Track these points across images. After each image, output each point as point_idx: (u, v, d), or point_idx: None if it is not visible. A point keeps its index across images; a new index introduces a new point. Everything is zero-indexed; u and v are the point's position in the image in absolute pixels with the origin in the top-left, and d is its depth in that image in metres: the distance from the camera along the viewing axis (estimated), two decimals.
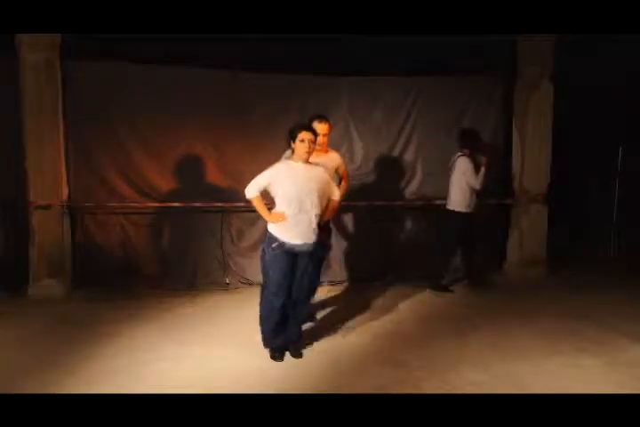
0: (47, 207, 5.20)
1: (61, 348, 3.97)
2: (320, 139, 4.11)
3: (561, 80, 5.99)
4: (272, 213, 3.77)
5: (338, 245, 5.81)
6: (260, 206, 3.83)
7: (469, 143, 5.60)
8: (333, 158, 4.40)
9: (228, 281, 5.73)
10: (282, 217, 3.69)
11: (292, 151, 3.82)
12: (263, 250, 3.83)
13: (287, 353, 3.88)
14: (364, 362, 3.82)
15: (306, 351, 3.97)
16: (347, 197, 4.59)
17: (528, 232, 6.18)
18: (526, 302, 5.31)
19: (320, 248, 3.92)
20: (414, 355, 3.94)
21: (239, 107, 5.62)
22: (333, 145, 5.26)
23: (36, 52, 5.06)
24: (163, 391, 3.23)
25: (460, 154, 5.58)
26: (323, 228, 3.93)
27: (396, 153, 6.05)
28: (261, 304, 3.88)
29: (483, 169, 5.48)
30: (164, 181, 5.59)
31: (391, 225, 6.09)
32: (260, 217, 5.67)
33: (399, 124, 6.02)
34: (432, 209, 6.03)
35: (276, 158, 5.72)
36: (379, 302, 5.22)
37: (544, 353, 3.98)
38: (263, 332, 3.87)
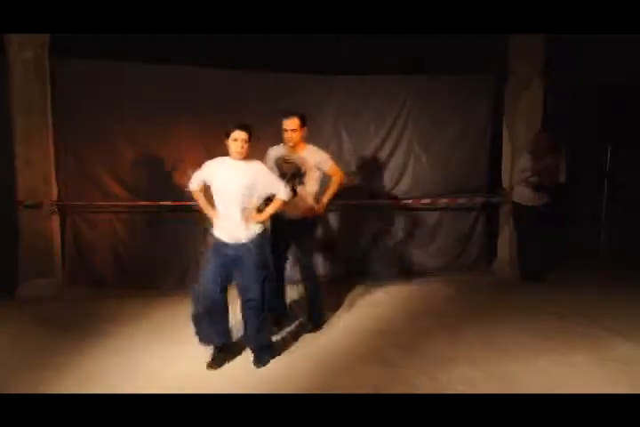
0: (36, 206, 5.16)
1: (51, 348, 3.95)
2: (288, 135, 4.13)
3: (553, 79, 6.01)
4: (213, 209, 3.71)
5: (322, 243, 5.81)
6: (200, 200, 3.79)
7: (542, 145, 5.74)
8: (311, 155, 4.23)
9: None
10: (215, 213, 3.69)
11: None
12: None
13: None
14: (353, 362, 3.81)
15: (294, 352, 3.97)
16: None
17: None
18: (516, 299, 5.33)
19: (254, 252, 3.61)
20: (404, 353, 3.94)
21: (231, 105, 5.59)
22: (324, 143, 5.27)
23: (25, 49, 5.00)
24: (153, 391, 3.23)
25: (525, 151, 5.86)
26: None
27: (386, 152, 6.05)
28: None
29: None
30: (154, 180, 5.55)
31: (380, 224, 6.09)
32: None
33: (390, 123, 6.02)
34: (424, 207, 6.06)
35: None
36: (365, 300, 5.20)
37: (536, 351, 4.00)
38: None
